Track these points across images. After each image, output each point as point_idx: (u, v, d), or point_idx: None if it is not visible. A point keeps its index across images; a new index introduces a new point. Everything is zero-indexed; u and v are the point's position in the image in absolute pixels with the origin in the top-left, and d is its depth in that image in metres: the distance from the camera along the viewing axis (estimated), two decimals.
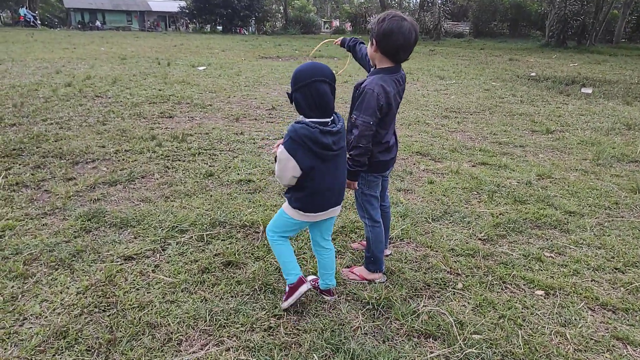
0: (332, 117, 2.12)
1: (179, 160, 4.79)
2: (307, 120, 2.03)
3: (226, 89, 9.38)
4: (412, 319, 2.33)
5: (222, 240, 3.10)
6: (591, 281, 2.75)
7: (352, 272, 2.76)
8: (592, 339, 2.23)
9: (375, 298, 2.49)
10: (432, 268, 2.85)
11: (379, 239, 2.68)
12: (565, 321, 2.36)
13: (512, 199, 4.01)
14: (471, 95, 9.60)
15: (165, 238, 3.08)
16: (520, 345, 2.17)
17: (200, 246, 3.01)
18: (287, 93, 2.09)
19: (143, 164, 4.57)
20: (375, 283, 2.68)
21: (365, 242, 3.09)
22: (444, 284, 2.69)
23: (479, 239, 3.28)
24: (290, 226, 2.28)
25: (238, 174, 4.43)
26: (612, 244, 3.22)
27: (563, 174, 4.76)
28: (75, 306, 2.36)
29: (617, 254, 3.08)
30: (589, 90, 10.54)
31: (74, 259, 2.80)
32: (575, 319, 2.37)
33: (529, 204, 3.93)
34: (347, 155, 2.38)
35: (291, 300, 2.33)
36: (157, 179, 4.20)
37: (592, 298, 2.56)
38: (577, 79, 12.37)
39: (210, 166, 4.63)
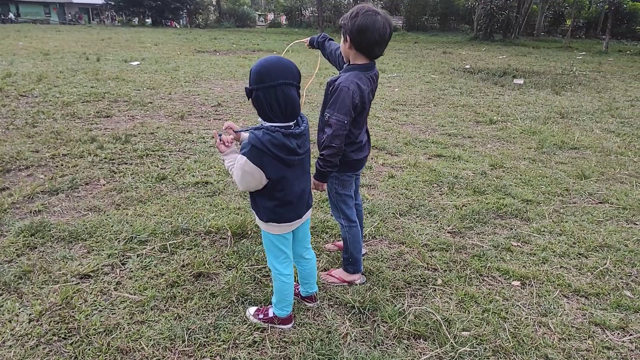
0: (296, 120, 1.95)
1: (126, 163, 4.46)
2: (267, 124, 1.85)
3: (165, 85, 8.93)
4: (399, 321, 2.27)
5: (187, 249, 2.89)
6: (560, 268, 2.84)
7: (330, 275, 2.66)
8: (573, 327, 2.28)
9: (359, 301, 2.41)
10: (410, 265, 2.82)
11: (356, 239, 2.60)
12: (545, 310, 2.40)
13: (471, 190, 4.08)
14: (414, 88, 9.79)
15: (124, 251, 2.83)
16: (508, 338, 2.17)
17: (164, 258, 2.78)
18: (246, 88, 1.86)
19: (85, 169, 4.20)
20: (355, 285, 2.60)
21: (340, 243, 3.00)
22: (424, 281, 2.66)
23: (448, 232, 3.30)
24: (278, 244, 2.10)
25: (193, 175, 4.18)
26: (571, 230, 3.35)
27: (513, 163, 4.93)
28: (30, 336, 2.08)
29: (578, 239, 3.20)
30: (521, 81, 11.09)
31: (20, 281, 2.49)
32: (554, 308, 2.42)
33: (487, 194, 4.02)
34: (319, 156, 2.26)
35: (265, 325, 2.20)
36: (103, 186, 3.86)
37: (564, 285, 2.64)
38: (508, 70, 12.99)
39: (161, 169, 4.34)
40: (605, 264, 2.88)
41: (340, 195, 2.54)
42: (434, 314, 2.33)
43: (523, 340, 2.16)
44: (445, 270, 2.77)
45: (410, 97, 8.79)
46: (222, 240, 3.03)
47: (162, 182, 4.01)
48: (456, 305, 2.43)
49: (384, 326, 2.26)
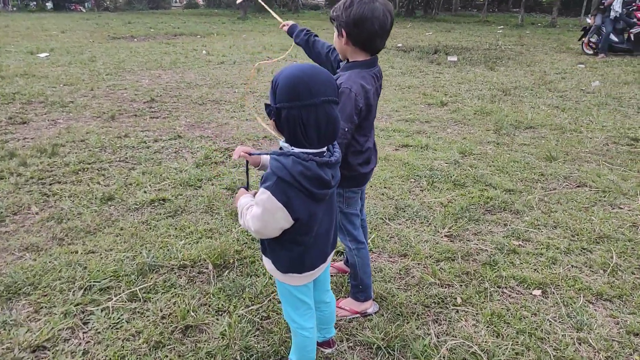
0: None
1: (59, 182, 3.77)
2: (297, 150, 1.45)
3: (85, 80, 7.95)
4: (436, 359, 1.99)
5: (162, 293, 2.40)
6: (572, 268, 2.69)
7: (340, 308, 2.32)
8: (613, 340, 2.13)
9: (383, 338, 2.09)
10: (421, 283, 2.53)
11: (366, 262, 2.27)
12: (579, 324, 2.22)
13: (451, 184, 3.89)
14: None
15: (83, 305, 2.29)
16: None
17: (136, 309, 2.28)
18: (270, 105, 1.46)
19: (9, 194, 3.49)
20: (368, 315, 2.28)
21: (339, 264, 2.66)
22: (442, 301, 2.39)
23: (446, 236, 3.06)
24: (298, 295, 1.70)
25: (145, 191, 3.61)
26: (564, 221, 3.24)
27: (480, 148, 4.82)
28: None
29: (575, 232, 3.10)
30: (455, 58, 11.21)
31: None
32: (586, 319, 2.25)
33: (468, 186, 3.84)
34: None
35: None
36: (37, 214, 3.21)
37: (585, 289, 2.49)
38: (439, 47, 13.13)
39: (104, 186, 3.72)
40: (612, 257, 2.78)
41: (346, 214, 2.19)
42: (469, 345, 2.07)
43: None
44: (461, 285, 2.52)
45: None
46: (201, 276, 2.56)
47: (109, 203, 3.41)
48: (487, 330, 2.19)
49: None
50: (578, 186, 3.87)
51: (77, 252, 2.74)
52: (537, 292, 2.47)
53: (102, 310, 2.25)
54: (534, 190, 3.77)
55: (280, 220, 1.46)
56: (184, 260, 2.66)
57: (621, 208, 3.45)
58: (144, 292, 2.39)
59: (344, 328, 2.20)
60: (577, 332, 2.18)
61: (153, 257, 2.68)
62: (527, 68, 10.07)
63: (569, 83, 8.51)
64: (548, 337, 2.13)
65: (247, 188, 1.69)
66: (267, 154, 1.58)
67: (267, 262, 1.68)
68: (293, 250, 1.58)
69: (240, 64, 10.22)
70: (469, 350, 2.04)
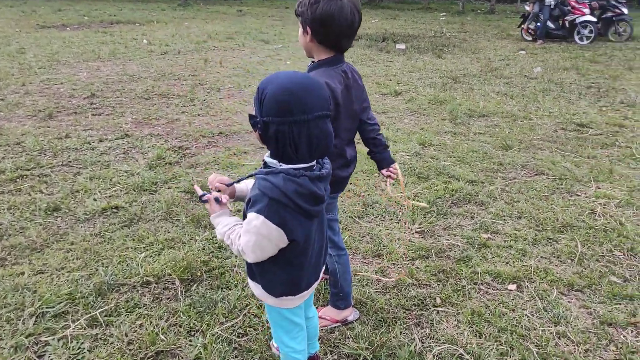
0: None
1: None
2: (286, 166, 1.32)
3: (15, 74, 7.31)
4: None
5: (126, 315, 2.20)
6: (541, 259, 2.74)
7: (320, 318, 2.22)
8: (589, 332, 2.17)
9: (368, 348, 2.02)
10: (399, 285, 2.48)
11: (346, 270, 2.18)
12: (556, 317, 2.25)
13: (415, 177, 3.87)
14: (305, 60, 9.36)
15: (36, 336, 2.05)
16: None
17: (98, 335, 2.08)
18: (251, 116, 1.32)
19: None
20: (349, 322, 2.20)
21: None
22: (422, 303, 2.35)
23: (417, 232, 3.03)
24: (291, 317, 1.57)
25: (95, 199, 3.33)
26: (527, 210, 3.30)
27: (439, 139, 4.85)
28: None
29: (539, 221, 3.16)
30: (403, 46, 11.30)
31: None
32: (562, 312, 2.28)
33: (432, 179, 3.84)
34: None
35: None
36: None
37: (557, 281, 2.53)
38: (387, 35, 13.19)
39: (48, 195, 3.40)
40: (576, 246, 2.86)
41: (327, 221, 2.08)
42: (454, 349, 2.04)
43: None
44: (439, 285, 2.49)
45: (304, 70, 8.36)
46: (167, 292, 2.38)
47: (55, 214, 3.12)
48: (469, 330, 2.16)
49: None
50: (536, 174, 3.97)
51: (23, 273, 2.47)
52: (512, 287, 2.48)
53: (58, 340, 2.03)
54: (495, 181, 3.82)
55: (277, 241, 1.33)
56: (146, 276, 2.46)
57: (578, 195, 3.57)
58: (105, 316, 2.19)
59: (327, 340, 2.11)
60: (555, 326, 2.20)
61: (111, 274, 2.46)
62: (472, 55, 10.30)
63: (513, 69, 8.79)
64: (529, 334, 2.14)
65: (218, 200, 1.49)
66: (250, 176, 1.43)
67: (255, 287, 1.54)
68: (288, 273, 1.46)
69: (185, 54, 9.78)
70: (454, 354, 2.01)
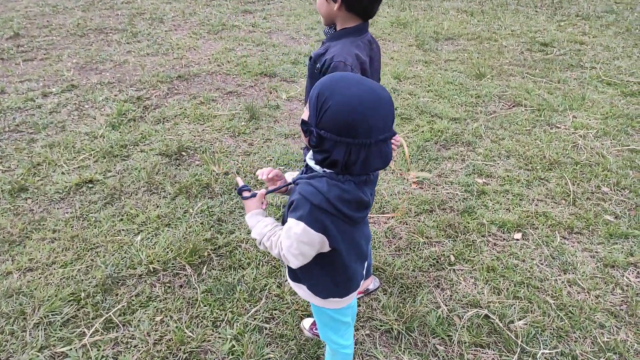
0: None
1: None
2: (329, 170, 1.21)
3: None
4: (455, 333, 2.00)
5: (142, 312, 2.07)
6: (538, 203, 2.82)
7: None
8: (596, 277, 2.30)
9: (397, 320, 2.04)
10: (411, 245, 2.48)
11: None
12: (564, 265, 2.36)
13: (398, 118, 3.78)
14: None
15: (50, 347, 1.89)
16: (559, 315, 2.08)
17: (118, 339, 1.95)
18: (304, 122, 1.19)
19: None
20: (371, 291, 2.21)
21: None
22: (437, 262, 2.38)
23: (414, 183, 3.01)
24: (340, 317, 1.51)
25: (63, 173, 3.01)
26: (513, 148, 3.34)
27: (411, 69, 4.71)
28: None
29: (527, 159, 3.22)
30: None
31: None
32: (568, 259, 2.39)
33: (415, 119, 3.77)
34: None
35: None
36: None
37: (557, 225, 2.63)
38: None
39: (6, 171, 3.02)
40: (566, 184, 2.96)
41: None
42: (479, 311, 2.10)
43: (571, 312, 2.10)
44: (449, 241, 2.52)
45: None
46: (178, 279, 2.25)
47: (22, 196, 2.79)
48: (488, 288, 2.23)
49: (443, 348, 1.96)
50: (513, 106, 3.99)
51: (11, 273, 2.23)
52: (518, 236, 2.56)
53: (77, 350, 1.89)
54: (476, 116, 3.81)
55: (318, 247, 1.24)
56: (150, 263, 2.30)
57: (558, 127, 3.64)
58: (119, 316, 2.05)
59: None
60: (564, 274, 2.31)
61: (112, 266, 2.28)
62: None
63: None
64: (543, 285, 2.25)
65: (251, 190, 1.38)
66: (294, 182, 1.29)
67: (298, 288, 1.47)
68: (333, 277, 1.39)
69: None
70: (480, 315, 2.08)
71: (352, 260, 1.37)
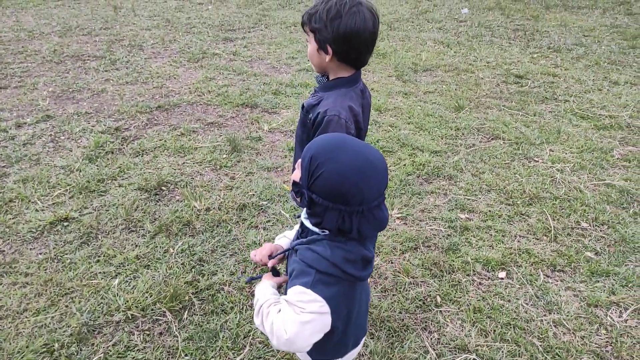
0: None
1: None
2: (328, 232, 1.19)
3: None
4: None
5: None
6: (520, 239, 2.84)
7: None
8: (581, 317, 2.31)
9: None
10: (397, 285, 2.46)
11: None
12: (548, 305, 2.37)
13: (381, 151, 3.79)
14: (248, 8, 8.63)
15: None
16: (547, 359, 2.08)
17: None
18: (295, 184, 1.19)
19: None
20: None
21: None
22: (424, 304, 2.36)
23: (398, 218, 3.00)
24: None
25: (37, 210, 2.91)
26: (494, 182, 3.38)
27: (391, 101, 4.76)
28: None
29: (507, 194, 3.26)
30: None
31: None
32: (552, 298, 2.40)
33: (397, 152, 3.79)
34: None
35: None
36: None
37: (539, 262, 2.65)
38: None
39: None
40: (547, 220, 2.99)
41: None
42: (469, 354, 2.08)
43: (558, 355, 2.09)
44: (434, 281, 2.50)
45: (235, 19, 7.73)
46: (157, 326, 2.16)
47: None
48: (475, 330, 2.22)
49: None
50: (492, 139, 4.06)
51: None
52: (502, 275, 2.56)
53: None
54: (457, 149, 3.86)
55: (321, 327, 1.20)
56: (129, 309, 2.21)
57: (536, 161, 3.71)
58: None
59: None
60: (549, 313, 2.32)
61: (88, 312, 2.18)
62: None
63: (442, 11, 8.79)
64: (529, 326, 2.24)
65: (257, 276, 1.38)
66: (291, 248, 1.26)
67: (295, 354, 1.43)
68: (331, 340, 1.34)
69: (89, 0, 8.61)
70: (467, 359, 2.06)
71: (351, 321, 1.33)
